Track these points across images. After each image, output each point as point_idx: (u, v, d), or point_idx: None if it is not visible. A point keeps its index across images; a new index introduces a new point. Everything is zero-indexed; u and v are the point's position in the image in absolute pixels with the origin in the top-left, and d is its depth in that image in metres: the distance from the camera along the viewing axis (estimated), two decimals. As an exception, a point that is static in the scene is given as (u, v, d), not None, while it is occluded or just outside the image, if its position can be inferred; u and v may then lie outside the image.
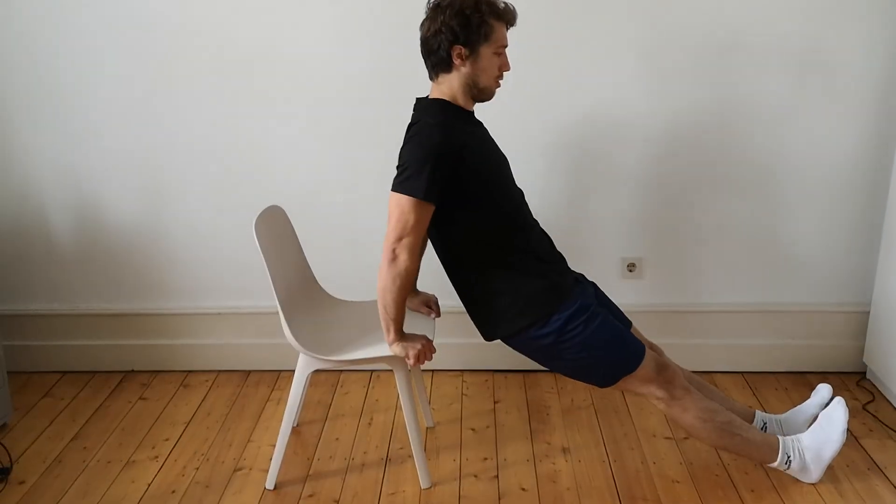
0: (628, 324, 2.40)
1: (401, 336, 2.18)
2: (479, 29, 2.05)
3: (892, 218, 2.71)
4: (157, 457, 2.58)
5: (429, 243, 2.32)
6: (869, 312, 2.88)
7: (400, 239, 2.04)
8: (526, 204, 2.28)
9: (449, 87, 2.12)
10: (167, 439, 2.68)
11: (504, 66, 2.15)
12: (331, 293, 2.61)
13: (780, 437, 2.28)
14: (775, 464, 2.26)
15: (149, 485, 2.44)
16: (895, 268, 2.69)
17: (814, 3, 2.61)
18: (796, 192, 2.82)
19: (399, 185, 2.04)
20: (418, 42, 2.67)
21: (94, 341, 3.11)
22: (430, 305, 2.48)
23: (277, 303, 2.25)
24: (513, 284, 2.16)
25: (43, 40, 2.77)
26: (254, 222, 2.26)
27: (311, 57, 2.74)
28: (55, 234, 3.00)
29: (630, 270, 2.93)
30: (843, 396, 2.77)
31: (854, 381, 2.93)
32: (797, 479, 2.32)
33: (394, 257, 2.05)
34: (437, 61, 2.10)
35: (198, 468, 2.52)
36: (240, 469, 2.52)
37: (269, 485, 2.40)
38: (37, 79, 2.81)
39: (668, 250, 2.91)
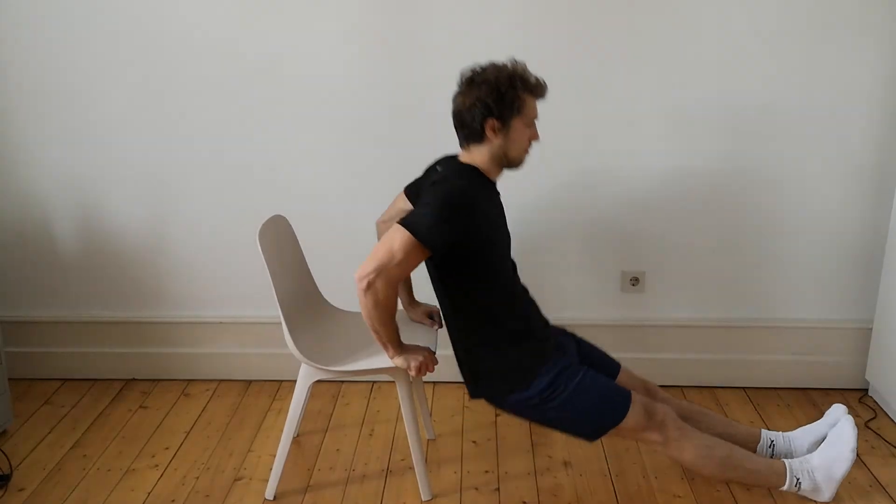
0: (616, 367, 2.42)
1: (401, 349, 2.18)
2: (512, 104, 2.11)
3: (894, 235, 2.71)
4: (156, 465, 2.58)
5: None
6: (871, 329, 2.88)
7: (378, 270, 2.00)
8: (517, 273, 2.34)
9: (480, 156, 2.17)
10: (167, 448, 2.68)
11: (534, 137, 2.20)
12: (333, 303, 2.61)
13: (786, 462, 2.26)
14: (784, 487, 2.24)
15: (148, 493, 2.43)
16: (898, 285, 2.69)
17: (807, 28, 2.62)
18: (799, 208, 2.82)
19: (409, 222, 2.04)
20: (421, 55, 2.71)
21: (95, 349, 3.11)
22: (433, 316, 2.48)
23: (280, 312, 2.25)
24: (498, 350, 2.20)
25: (49, 47, 2.78)
26: (257, 231, 2.26)
27: (317, 69, 2.75)
28: (58, 241, 3.01)
29: (633, 284, 2.93)
30: (845, 413, 2.77)
31: (856, 398, 2.92)
32: (807, 499, 2.31)
33: (368, 286, 2.00)
34: (469, 133, 2.16)
35: (198, 477, 2.52)
36: (240, 479, 2.51)
37: (269, 495, 2.39)
38: (42, 86, 2.82)
39: (670, 265, 2.91)
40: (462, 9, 2.66)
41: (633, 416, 2.19)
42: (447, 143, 2.78)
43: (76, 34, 2.76)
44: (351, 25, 2.70)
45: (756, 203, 2.82)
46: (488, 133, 2.12)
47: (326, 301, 2.59)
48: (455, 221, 2.04)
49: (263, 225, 2.32)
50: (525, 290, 2.36)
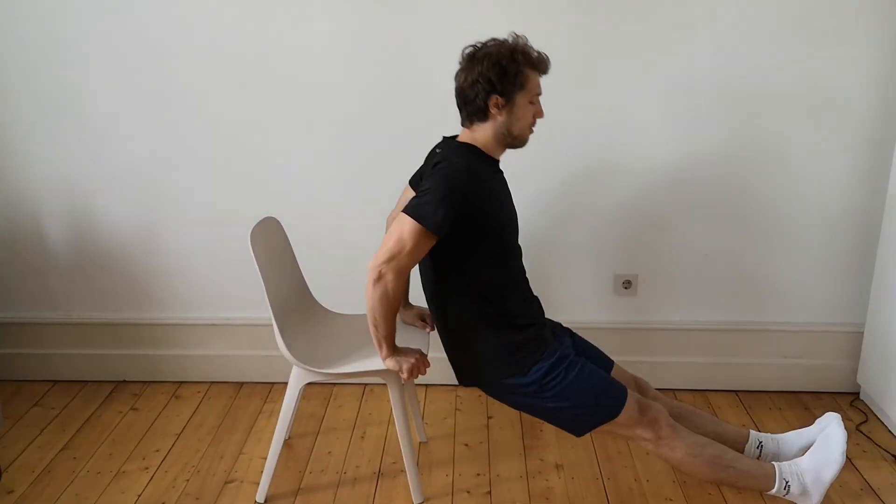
0: (610, 364, 2.41)
1: (394, 350, 2.18)
2: (515, 79, 2.10)
3: (886, 239, 2.72)
4: (147, 468, 2.57)
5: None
6: (863, 333, 2.89)
7: (389, 261, 2.02)
8: (522, 258, 2.31)
9: (483, 134, 2.16)
10: (158, 450, 2.66)
11: (538, 114, 2.19)
12: (325, 305, 2.61)
13: (776, 464, 2.26)
14: (773, 490, 2.23)
15: (139, 496, 2.42)
16: (889, 288, 2.70)
17: (804, 37, 2.62)
18: (791, 212, 2.82)
19: (413, 209, 2.04)
20: (415, 54, 2.70)
21: (85, 350, 3.09)
22: (425, 319, 2.47)
23: (271, 314, 2.25)
24: (498, 335, 2.18)
25: (41, 49, 2.77)
26: (249, 233, 2.25)
27: (309, 70, 2.75)
28: (49, 242, 2.99)
29: (625, 288, 2.93)
30: (836, 417, 2.78)
31: (847, 402, 2.93)
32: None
33: (379, 276, 2.03)
34: (473, 111, 2.14)
35: (188, 480, 2.51)
36: (231, 481, 2.50)
37: (260, 498, 2.39)
38: (34, 87, 2.81)
39: (662, 268, 2.92)
40: (455, 7, 2.65)
41: (628, 412, 2.18)
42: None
43: (67, 36, 2.75)
44: (343, 25, 2.70)
45: (748, 206, 2.83)
46: (492, 110, 2.11)
47: (318, 303, 2.59)
48: (458, 202, 2.03)
49: (255, 227, 2.31)
50: (526, 277, 2.32)
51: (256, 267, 2.23)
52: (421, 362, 2.20)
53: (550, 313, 2.96)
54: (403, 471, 2.47)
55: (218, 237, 2.94)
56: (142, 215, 2.94)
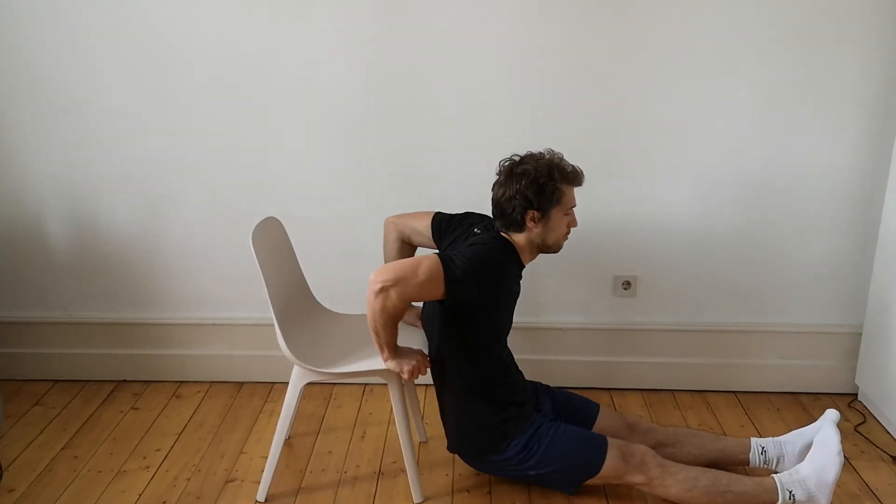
0: (595, 410, 2.47)
1: (395, 352, 2.19)
2: (552, 195, 2.19)
3: (884, 240, 2.73)
4: (148, 467, 2.57)
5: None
6: (861, 334, 2.90)
7: (396, 281, 2.02)
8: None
9: (518, 240, 2.26)
10: (158, 450, 2.67)
11: (572, 224, 2.28)
12: (326, 306, 2.61)
13: (776, 477, 2.25)
14: (779, 503, 2.24)
15: (139, 495, 2.43)
16: (887, 289, 2.71)
17: (806, 27, 2.63)
18: (790, 214, 2.83)
19: (444, 255, 2.09)
20: (421, 55, 2.71)
21: (86, 350, 3.10)
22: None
23: (273, 314, 2.25)
24: (485, 408, 2.27)
25: (43, 50, 2.77)
26: (250, 233, 2.26)
27: (310, 71, 2.75)
28: (50, 242, 3.00)
29: (625, 289, 2.94)
30: (834, 418, 2.78)
31: (846, 403, 2.93)
32: None
33: (381, 290, 2.02)
34: (510, 222, 2.23)
35: (189, 479, 2.51)
36: (231, 481, 2.51)
37: (261, 497, 2.39)
38: (36, 87, 2.81)
39: (662, 269, 2.92)
40: (462, 12, 2.66)
41: (611, 463, 2.24)
42: (442, 145, 2.80)
43: (70, 36, 2.75)
44: (346, 28, 2.70)
45: (747, 208, 2.83)
46: (528, 223, 2.20)
47: (319, 303, 2.60)
48: (482, 283, 2.12)
49: (256, 227, 2.32)
50: (513, 357, 2.41)
51: (258, 267, 2.23)
52: (422, 363, 2.22)
53: (551, 314, 2.98)
54: (404, 470, 2.48)
55: (219, 237, 2.94)
56: (143, 215, 2.95)
